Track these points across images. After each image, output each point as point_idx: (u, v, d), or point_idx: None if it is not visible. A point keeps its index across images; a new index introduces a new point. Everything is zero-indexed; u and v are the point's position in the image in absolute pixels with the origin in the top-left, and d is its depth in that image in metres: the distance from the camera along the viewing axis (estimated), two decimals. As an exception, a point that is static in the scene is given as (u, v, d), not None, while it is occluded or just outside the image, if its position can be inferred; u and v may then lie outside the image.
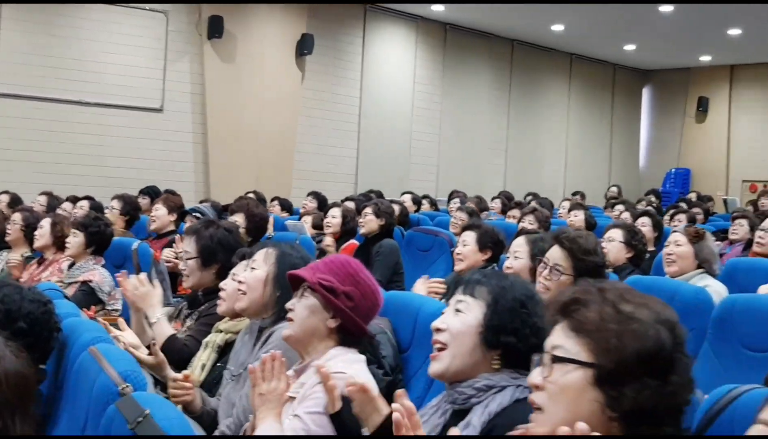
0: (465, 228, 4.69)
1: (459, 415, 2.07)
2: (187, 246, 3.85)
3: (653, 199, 12.96)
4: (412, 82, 14.39)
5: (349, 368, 2.38)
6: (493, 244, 4.49)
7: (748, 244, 6.09)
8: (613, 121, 18.43)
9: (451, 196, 11.06)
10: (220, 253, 3.82)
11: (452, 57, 15.05)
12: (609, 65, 18.14)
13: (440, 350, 2.11)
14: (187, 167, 11.35)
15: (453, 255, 6.61)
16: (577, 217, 7.92)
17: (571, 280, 3.18)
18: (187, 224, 5.80)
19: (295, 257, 2.99)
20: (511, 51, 16.17)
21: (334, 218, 6.74)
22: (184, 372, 2.89)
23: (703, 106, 17.95)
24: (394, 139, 14.10)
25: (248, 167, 11.56)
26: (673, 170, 18.07)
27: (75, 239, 5.07)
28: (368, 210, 6.23)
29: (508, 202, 10.66)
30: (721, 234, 7.62)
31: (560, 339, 1.55)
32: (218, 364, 3.19)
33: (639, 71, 18.89)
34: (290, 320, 2.52)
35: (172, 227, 6.44)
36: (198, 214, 5.78)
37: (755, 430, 1.24)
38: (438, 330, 2.12)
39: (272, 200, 9.12)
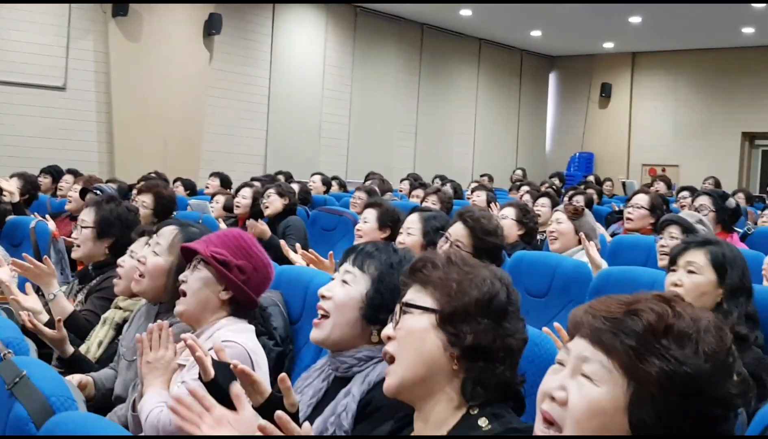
0: (366, 206, 4.79)
1: (340, 381, 2.17)
2: (85, 216, 3.86)
3: (557, 182, 13.33)
4: (322, 64, 14.41)
5: (238, 336, 2.45)
6: (392, 222, 4.61)
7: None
8: (521, 106, 18.82)
9: (367, 178, 11.18)
10: (117, 228, 3.84)
11: (363, 40, 15.13)
12: (516, 51, 18.49)
13: (323, 316, 2.19)
14: (91, 147, 11.15)
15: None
16: (479, 198, 8.12)
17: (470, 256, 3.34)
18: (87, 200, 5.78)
19: None
20: (421, 35, 16.34)
21: (244, 199, 6.76)
22: None
23: (606, 92, 18.48)
24: (304, 120, 14.12)
25: (154, 148, 11.43)
26: (577, 154, 18.59)
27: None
28: (271, 191, 6.31)
29: (414, 182, 10.83)
30: (616, 215, 7.95)
31: (410, 295, 1.69)
32: (116, 341, 3.20)
33: (545, 57, 19.31)
34: (183, 292, 2.55)
35: (86, 208, 6.37)
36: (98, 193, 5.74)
37: (551, 369, 1.37)
38: (323, 297, 2.20)
39: (175, 181, 9.06)
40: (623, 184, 13.69)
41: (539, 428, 1.31)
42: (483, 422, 1.57)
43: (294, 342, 3.09)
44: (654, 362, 1.22)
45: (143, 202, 5.30)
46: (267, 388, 1.98)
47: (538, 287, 3.69)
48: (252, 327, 2.57)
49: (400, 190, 10.51)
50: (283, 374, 1.91)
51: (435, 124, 16.69)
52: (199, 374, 2.13)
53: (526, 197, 9.40)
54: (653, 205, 5.09)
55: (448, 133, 17.04)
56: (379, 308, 2.13)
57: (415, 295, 1.69)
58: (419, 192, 8.84)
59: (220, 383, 2.14)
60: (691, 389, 1.22)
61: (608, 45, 17.65)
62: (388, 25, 15.56)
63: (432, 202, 6.88)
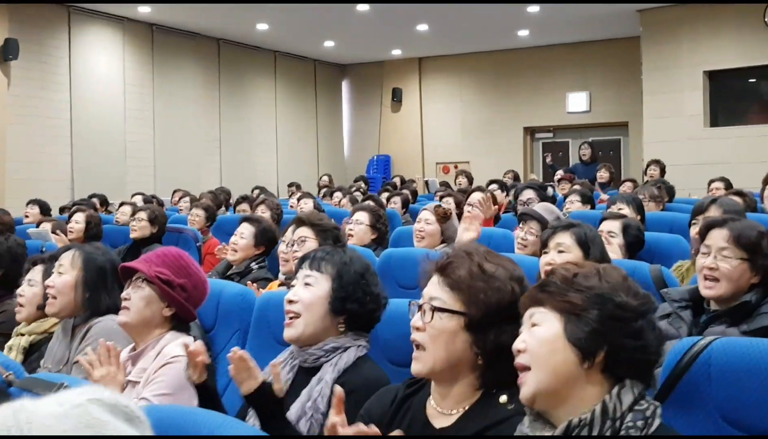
0: (243, 220, 5.06)
1: (306, 371, 2.49)
2: None
3: (363, 185, 13.95)
4: (122, 84, 14.27)
5: (184, 351, 2.65)
6: (269, 241, 4.94)
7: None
8: (318, 114, 19.32)
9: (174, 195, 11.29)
10: (6, 260, 3.98)
11: (161, 58, 15.10)
12: (310, 61, 18.99)
13: (293, 318, 2.49)
14: None
15: (200, 249, 7.04)
16: (307, 206, 8.50)
17: (317, 243, 3.81)
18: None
19: (99, 257, 3.21)
20: (218, 50, 16.50)
21: (77, 224, 6.79)
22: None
23: (397, 96, 19.28)
24: (108, 141, 13.93)
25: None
26: (375, 157, 19.29)
27: None
28: (142, 215, 6.42)
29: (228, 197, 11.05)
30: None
31: (437, 292, 1.96)
32: (25, 365, 3.37)
33: (338, 66, 19.94)
34: (126, 308, 2.75)
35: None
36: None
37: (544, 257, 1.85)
38: (290, 302, 2.50)
39: (28, 203, 8.94)
40: (426, 182, 14.48)
41: (521, 378, 1.71)
42: (503, 399, 1.89)
43: (211, 349, 3.40)
44: (571, 295, 1.69)
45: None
46: (260, 375, 2.28)
47: (409, 280, 4.13)
48: (192, 338, 2.80)
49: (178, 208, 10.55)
50: (275, 360, 2.28)
51: (238, 137, 16.87)
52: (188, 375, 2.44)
53: (345, 201, 9.96)
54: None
55: (251, 145, 17.26)
56: (345, 299, 2.48)
57: (442, 294, 1.96)
58: (245, 206, 9.11)
59: (208, 383, 2.45)
60: (602, 303, 1.67)
61: (396, 52, 18.46)
62: (184, 41, 15.60)
63: (261, 212, 7.22)
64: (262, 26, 15.33)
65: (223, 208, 9.75)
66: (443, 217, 4.95)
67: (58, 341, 3.21)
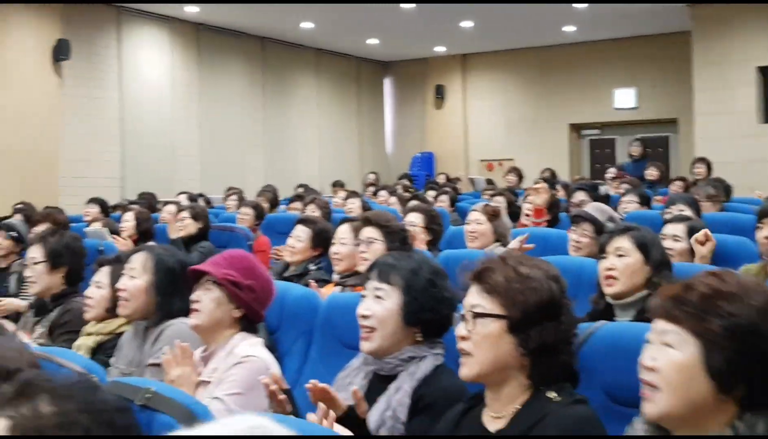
0: (299, 221, 5.05)
1: (381, 378, 2.49)
2: (34, 252, 4.01)
3: (407, 182, 13.92)
4: (169, 83, 14.41)
5: (255, 351, 2.72)
6: (326, 242, 4.92)
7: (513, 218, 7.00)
8: (360, 112, 19.33)
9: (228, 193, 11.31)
10: (68, 257, 4.03)
11: (207, 57, 15.22)
12: (353, 59, 19.01)
13: (368, 332, 2.49)
14: (-54, 182, 10.80)
15: (251, 248, 7.06)
16: (354, 204, 8.49)
17: (384, 245, 3.78)
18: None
19: (170, 260, 3.23)
20: (262, 49, 16.58)
21: (127, 222, 6.86)
22: None
23: (440, 93, 19.21)
24: (156, 140, 14.08)
25: (11, 178, 11.16)
26: (419, 155, 19.23)
27: None
28: (185, 213, 6.45)
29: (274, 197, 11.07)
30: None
31: (477, 299, 2.02)
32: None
33: (381, 63, 19.93)
34: (195, 310, 2.79)
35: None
36: (14, 234, 5.77)
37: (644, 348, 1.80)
38: (364, 317, 2.50)
39: (89, 201, 9.03)
40: (471, 180, 14.40)
41: (645, 393, 1.71)
42: (552, 394, 1.96)
43: (276, 351, 3.41)
44: (713, 320, 1.63)
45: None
46: (343, 403, 2.26)
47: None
48: (261, 340, 2.84)
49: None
50: (355, 388, 2.26)
51: (281, 136, 16.94)
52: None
53: (392, 200, 9.92)
54: (550, 204, 5.68)
55: (294, 143, 17.32)
56: (418, 311, 2.46)
57: (481, 300, 2.01)
58: (298, 204, 9.13)
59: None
60: (747, 335, 1.62)
61: (440, 48, 18.39)
62: (230, 40, 15.70)
63: (311, 211, 7.23)
64: (306, 24, 15.37)
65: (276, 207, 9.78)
66: (493, 215, 4.93)
67: (129, 342, 3.25)
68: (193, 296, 2.82)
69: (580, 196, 5.71)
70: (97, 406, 1.49)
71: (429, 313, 2.47)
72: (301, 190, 11.87)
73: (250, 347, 2.74)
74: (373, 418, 2.38)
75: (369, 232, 3.92)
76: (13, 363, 1.80)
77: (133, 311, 3.19)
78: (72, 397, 1.47)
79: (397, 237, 3.86)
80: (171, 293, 3.12)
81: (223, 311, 2.79)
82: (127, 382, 2.03)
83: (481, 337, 1.99)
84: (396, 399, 2.38)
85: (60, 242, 4.05)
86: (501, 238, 4.82)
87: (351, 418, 2.25)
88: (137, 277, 3.19)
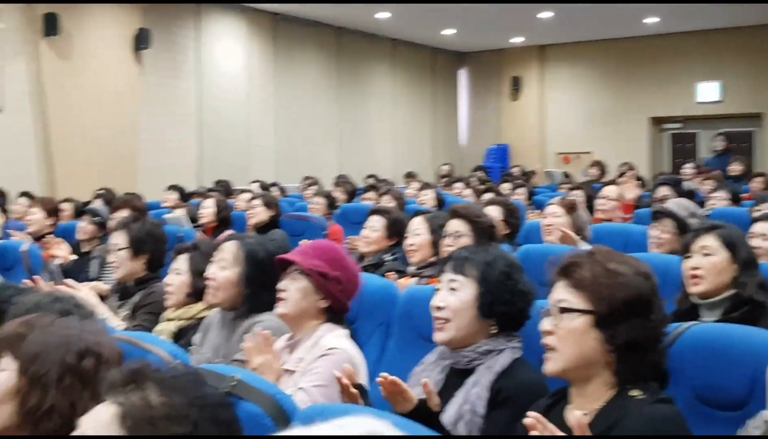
0: (373, 212, 5.04)
1: (457, 372, 2.46)
2: (117, 238, 4.08)
3: (482, 175, 13.84)
4: (246, 73, 14.55)
5: (340, 342, 2.70)
6: (400, 232, 4.91)
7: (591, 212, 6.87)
8: (435, 103, 19.27)
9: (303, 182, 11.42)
10: (150, 243, 4.08)
11: (283, 47, 15.33)
12: (428, 49, 18.93)
13: (443, 323, 2.46)
14: (30, 166, 11.06)
15: (326, 238, 7.08)
16: (427, 196, 8.45)
17: (471, 240, 3.73)
18: (83, 223, 5.93)
19: (261, 252, 3.18)
20: (337, 38, 16.63)
21: (207, 209, 6.95)
22: None
23: (516, 85, 19.03)
24: (232, 128, 14.24)
25: (92, 164, 11.41)
26: (493, 146, 19.07)
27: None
28: (257, 201, 6.49)
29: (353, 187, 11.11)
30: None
31: (563, 294, 1.99)
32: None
33: (456, 54, 19.80)
34: (282, 299, 2.77)
35: (48, 230, 6.48)
36: (97, 219, 5.89)
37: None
38: (439, 308, 2.48)
39: (169, 188, 9.31)
40: (547, 173, 14.24)
41: None
42: (635, 392, 1.91)
43: (354, 342, 3.39)
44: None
45: (121, 217, 5.55)
46: (414, 397, 2.26)
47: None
48: (347, 331, 2.81)
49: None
50: (426, 380, 2.24)
51: (356, 126, 16.98)
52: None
53: (467, 192, 9.86)
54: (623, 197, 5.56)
55: (368, 134, 17.36)
56: (492, 302, 2.44)
57: (568, 295, 1.98)
58: (371, 195, 9.15)
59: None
60: None
61: (517, 39, 18.19)
62: (306, 30, 15.78)
63: (387, 201, 7.23)
64: (382, 14, 15.35)
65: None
66: (570, 208, 4.85)
67: (216, 330, 3.24)
68: (280, 285, 2.81)
69: (663, 191, 5.56)
70: (203, 400, 1.50)
71: (504, 305, 2.45)
72: (372, 181, 11.90)
73: (336, 339, 2.71)
74: (450, 412, 2.36)
75: (457, 225, 3.86)
76: (97, 346, 1.84)
77: (221, 301, 3.18)
78: (179, 389, 1.49)
79: (485, 233, 3.79)
80: (260, 286, 3.09)
81: (309, 302, 2.77)
82: (213, 369, 2.02)
83: (566, 332, 1.95)
84: (474, 393, 2.36)
85: (142, 229, 4.11)
86: (579, 232, 4.72)
87: (422, 412, 2.23)
88: (227, 268, 3.17)
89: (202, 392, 1.52)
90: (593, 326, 1.94)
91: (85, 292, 3.71)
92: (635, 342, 1.92)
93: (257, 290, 3.09)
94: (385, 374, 2.25)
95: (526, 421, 1.73)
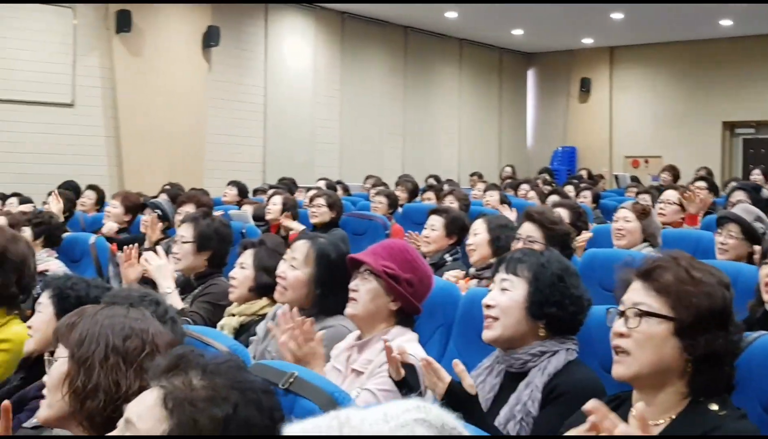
0: (432, 212, 5.00)
1: (512, 376, 2.42)
2: (184, 231, 4.12)
3: (548, 177, 13.63)
4: (313, 71, 14.64)
5: (410, 348, 2.58)
6: (459, 230, 4.86)
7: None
8: (502, 103, 19.13)
9: (367, 181, 11.42)
10: (215, 241, 4.11)
11: (350, 45, 15.39)
12: (496, 49, 18.80)
13: (491, 321, 2.44)
14: (100, 161, 11.31)
15: (388, 237, 7.03)
16: (493, 198, 8.35)
17: (543, 248, 3.63)
18: (145, 216, 6.00)
19: (332, 254, 3.11)
20: (405, 38, 16.61)
21: (275, 205, 6.97)
22: None
23: (585, 86, 18.81)
24: (298, 126, 14.35)
25: (160, 159, 11.61)
26: (560, 149, 18.87)
27: (24, 234, 5.20)
28: (321, 201, 6.49)
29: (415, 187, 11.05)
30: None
31: (642, 297, 1.89)
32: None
33: (524, 54, 19.64)
34: (353, 299, 2.73)
35: (124, 225, 6.59)
36: (159, 211, 5.96)
37: None
38: (488, 306, 2.45)
39: (229, 184, 9.39)
40: (615, 177, 14.00)
41: None
42: (714, 407, 1.83)
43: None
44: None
45: (187, 212, 5.63)
46: (447, 375, 2.23)
47: (614, 282, 3.92)
48: (416, 335, 2.76)
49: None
50: (456, 360, 2.20)
51: (421, 125, 16.96)
52: (389, 372, 2.39)
53: (531, 194, 9.70)
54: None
55: (433, 133, 17.31)
56: (542, 304, 2.39)
57: (647, 299, 1.89)
58: (430, 195, 9.09)
59: (408, 381, 2.40)
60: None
61: (587, 40, 17.98)
62: (373, 29, 15.82)
63: (449, 202, 7.15)
64: (450, 14, 15.29)
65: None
66: (642, 213, 4.72)
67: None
68: (351, 285, 2.77)
69: (738, 195, 5.37)
70: (245, 385, 1.54)
71: (554, 307, 2.40)
72: (432, 181, 11.83)
73: (406, 344, 2.63)
74: (502, 414, 2.33)
75: (529, 229, 3.79)
76: (142, 330, 1.89)
77: (289, 301, 3.10)
78: (222, 373, 1.53)
79: (558, 240, 3.68)
80: (330, 287, 3.04)
81: (379, 303, 2.72)
82: (272, 365, 2.02)
83: (644, 336, 1.87)
84: (526, 394, 2.33)
85: (210, 226, 4.14)
86: (650, 238, 4.60)
87: (456, 393, 2.19)
88: (298, 268, 3.13)
89: (244, 377, 1.56)
90: (673, 334, 1.86)
91: (163, 261, 3.75)
92: (715, 354, 1.84)
93: (327, 292, 3.05)
94: (423, 357, 2.24)
95: (586, 406, 1.66)
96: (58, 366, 1.89)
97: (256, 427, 1.51)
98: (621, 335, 1.91)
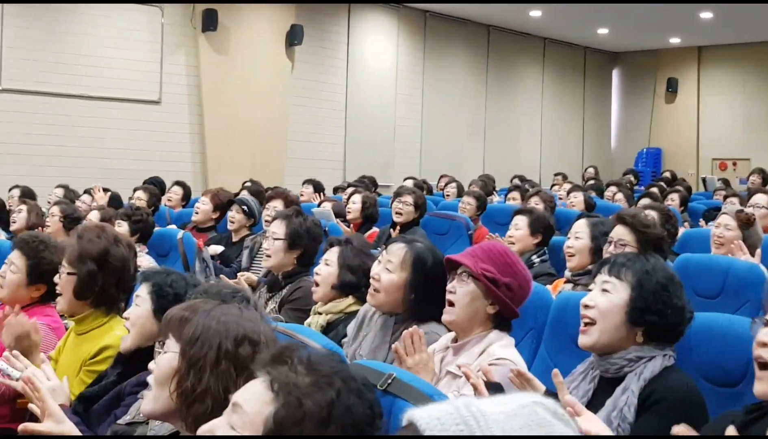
0: (516, 213, 4.94)
1: (607, 382, 2.35)
2: (276, 228, 4.13)
3: (632, 179, 13.34)
4: (394, 69, 14.64)
5: (507, 352, 2.60)
6: (544, 229, 4.77)
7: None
8: (585, 103, 18.82)
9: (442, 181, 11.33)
10: (305, 240, 4.11)
11: (432, 44, 15.34)
12: (580, 48, 18.52)
13: (587, 324, 2.37)
14: (184, 158, 11.51)
15: (471, 238, 6.96)
16: (577, 199, 8.20)
17: (636, 251, 3.51)
18: (232, 212, 6.07)
19: (429, 260, 3.03)
20: (488, 36, 16.48)
21: (354, 204, 6.97)
22: None
23: (672, 86, 18.38)
24: (379, 125, 14.36)
25: (243, 156, 11.76)
26: (645, 150, 18.47)
27: (120, 229, 5.29)
28: (408, 199, 6.46)
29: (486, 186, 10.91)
30: (714, 212, 7.99)
31: None
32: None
33: (609, 54, 19.30)
34: (450, 302, 2.67)
35: (212, 223, 6.67)
36: (245, 207, 6.02)
37: None
38: (586, 307, 2.38)
39: (304, 183, 9.42)
40: (703, 180, 13.64)
41: None
42: None
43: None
44: None
45: (275, 208, 5.65)
46: (540, 385, 2.21)
47: (709, 288, 3.77)
48: (513, 340, 2.71)
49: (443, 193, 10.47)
50: (556, 370, 2.13)
51: (502, 125, 16.80)
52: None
53: (619, 197, 9.49)
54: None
55: (515, 133, 17.13)
56: (644, 310, 2.32)
57: None
58: (515, 195, 8.97)
59: None
60: None
61: (674, 40, 17.57)
62: (456, 28, 15.73)
63: (535, 203, 7.03)
64: (535, 13, 15.11)
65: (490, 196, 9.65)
66: (746, 223, 4.52)
67: (374, 330, 3.15)
68: (449, 287, 2.72)
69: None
70: (347, 374, 1.56)
71: (655, 316, 2.33)
72: (517, 181, 11.69)
73: (504, 349, 2.61)
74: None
75: (622, 233, 3.69)
76: (255, 334, 1.88)
77: (381, 304, 3.07)
78: (324, 363, 1.57)
79: (652, 244, 3.58)
80: (425, 293, 2.97)
81: (477, 307, 2.66)
82: (369, 365, 2.01)
83: None
84: (622, 399, 2.26)
85: (302, 225, 4.15)
86: (751, 248, 4.41)
87: None
88: (393, 271, 3.04)
89: (345, 368, 1.58)
90: None
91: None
92: None
93: (421, 298, 2.97)
94: (512, 367, 2.20)
95: (675, 429, 1.57)
96: (169, 360, 1.90)
97: (357, 415, 1.52)
98: (765, 345, 1.86)
